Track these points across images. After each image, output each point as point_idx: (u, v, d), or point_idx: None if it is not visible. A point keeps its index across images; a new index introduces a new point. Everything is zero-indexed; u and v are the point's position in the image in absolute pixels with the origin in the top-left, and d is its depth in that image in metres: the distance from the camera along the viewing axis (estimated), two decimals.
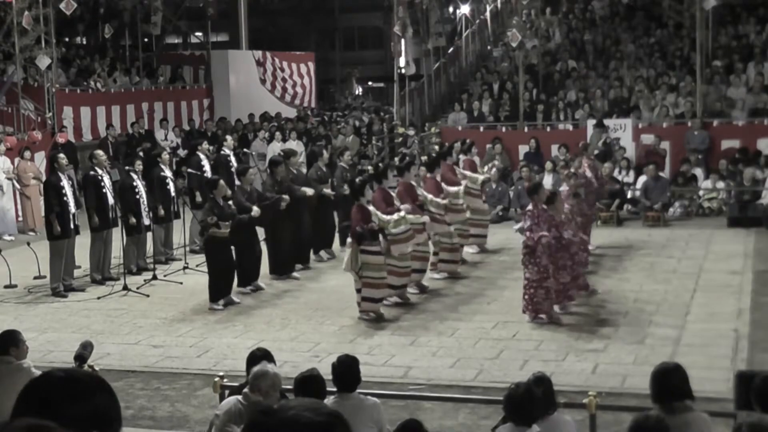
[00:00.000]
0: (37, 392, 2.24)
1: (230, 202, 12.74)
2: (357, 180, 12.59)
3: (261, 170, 16.60)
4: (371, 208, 11.63)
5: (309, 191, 14.44)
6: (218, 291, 12.35)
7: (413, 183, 13.13)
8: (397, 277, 11.91)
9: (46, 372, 2.34)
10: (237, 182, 14.59)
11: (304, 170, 16.28)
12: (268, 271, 13.84)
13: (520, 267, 11.66)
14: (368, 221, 11.36)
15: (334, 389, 6.23)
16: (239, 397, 6.01)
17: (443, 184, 13.84)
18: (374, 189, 12.04)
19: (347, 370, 6.24)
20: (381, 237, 11.56)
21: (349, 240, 11.63)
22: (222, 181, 12.81)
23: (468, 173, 14.99)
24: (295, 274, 14.03)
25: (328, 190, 15.15)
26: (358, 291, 11.53)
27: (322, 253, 15.22)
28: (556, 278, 11.16)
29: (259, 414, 2.04)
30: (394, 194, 12.61)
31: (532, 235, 10.95)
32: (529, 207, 11.32)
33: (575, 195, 13.51)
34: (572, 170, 14.11)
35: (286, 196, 13.76)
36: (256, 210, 13.03)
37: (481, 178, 15.11)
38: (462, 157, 15.72)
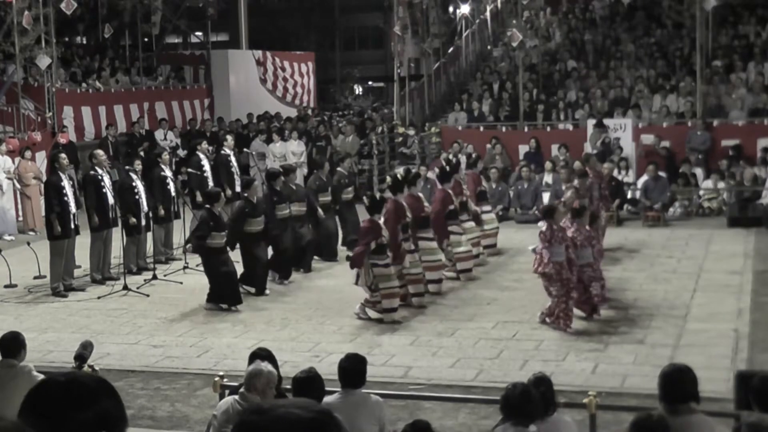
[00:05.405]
0: (40, 399, 2.20)
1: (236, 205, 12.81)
2: (377, 196, 12.42)
3: (260, 170, 16.61)
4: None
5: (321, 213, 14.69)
6: (219, 297, 12.33)
7: (420, 195, 13.26)
8: (413, 285, 12.09)
9: (48, 377, 2.30)
10: (238, 188, 14.56)
11: (305, 170, 16.28)
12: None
13: (519, 267, 11.65)
14: (378, 236, 11.34)
15: (338, 387, 6.24)
16: (236, 397, 6.01)
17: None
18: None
19: (355, 367, 6.26)
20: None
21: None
22: (223, 195, 12.77)
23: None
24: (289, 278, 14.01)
25: (327, 199, 15.14)
26: (370, 288, 11.47)
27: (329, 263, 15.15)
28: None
29: (249, 413, 2.03)
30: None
31: (542, 259, 10.79)
32: (543, 228, 10.99)
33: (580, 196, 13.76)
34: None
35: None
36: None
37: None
38: (465, 170, 15.48)
